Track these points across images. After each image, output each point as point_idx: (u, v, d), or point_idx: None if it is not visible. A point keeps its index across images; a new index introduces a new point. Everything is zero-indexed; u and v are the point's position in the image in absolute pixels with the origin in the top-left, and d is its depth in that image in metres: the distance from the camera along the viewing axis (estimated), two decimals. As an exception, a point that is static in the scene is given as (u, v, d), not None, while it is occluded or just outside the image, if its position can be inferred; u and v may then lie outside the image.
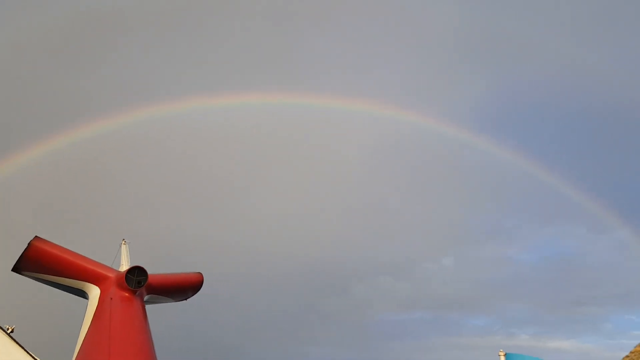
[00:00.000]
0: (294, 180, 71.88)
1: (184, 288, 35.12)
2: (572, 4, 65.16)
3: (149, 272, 32.25)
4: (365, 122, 67.47)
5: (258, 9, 71.49)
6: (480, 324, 79.69)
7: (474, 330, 75.54)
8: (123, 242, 36.02)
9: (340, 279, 75.78)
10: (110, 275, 32.82)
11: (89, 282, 32.84)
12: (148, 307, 33.17)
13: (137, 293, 32.08)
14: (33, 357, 24.65)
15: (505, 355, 11.23)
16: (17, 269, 31.99)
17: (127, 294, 31.81)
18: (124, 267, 34.37)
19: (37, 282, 33.28)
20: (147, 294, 33.28)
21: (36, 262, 31.92)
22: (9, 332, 24.93)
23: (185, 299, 35.86)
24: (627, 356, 10.97)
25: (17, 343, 24.76)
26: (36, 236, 31.79)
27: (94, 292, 32.39)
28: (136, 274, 32.16)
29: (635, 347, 10.89)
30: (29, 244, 31.29)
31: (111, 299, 31.30)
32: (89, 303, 32.52)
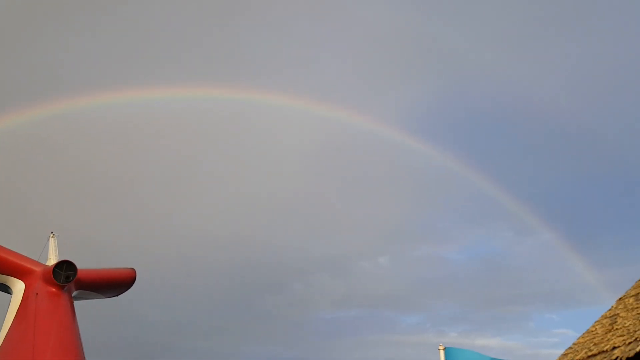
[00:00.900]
0: (231, 176, 71.07)
1: (115, 284, 34.03)
2: (507, 15, 67.60)
3: (78, 267, 31.11)
4: (304, 120, 67.51)
5: (199, 1, 70.22)
6: (413, 321, 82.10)
7: (407, 327, 77.68)
8: (51, 235, 34.44)
9: (276, 276, 75.68)
10: (37, 269, 31.39)
11: (12, 276, 31.31)
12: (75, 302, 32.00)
13: (65, 288, 30.81)
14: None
15: (445, 349, 11.40)
16: None
17: (54, 289, 30.52)
18: (52, 261, 32.88)
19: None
20: (76, 290, 32.00)
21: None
22: None
23: (117, 295, 34.85)
24: (571, 348, 11.38)
25: None
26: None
27: (18, 286, 30.86)
28: (64, 268, 30.88)
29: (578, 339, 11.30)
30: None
31: (37, 294, 29.96)
32: (12, 298, 30.97)
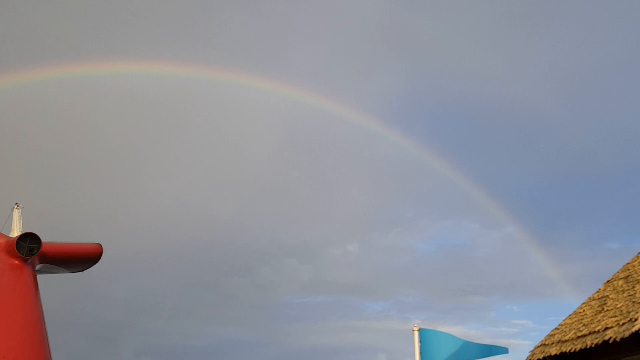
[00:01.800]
0: (199, 156, 69.85)
1: (81, 259, 32.90)
2: (484, 9, 67.93)
3: (42, 239, 30.01)
4: (276, 103, 66.73)
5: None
6: (379, 308, 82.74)
7: (373, 314, 78.24)
8: (16, 206, 33.12)
9: (244, 260, 75.01)
10: (-1, 241, 30.19)
11: (-28, 247, 30.05)
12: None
13: (28, 261, 29.60)
14: None
15: (419, 330, 11.13)
16: None
17: (17, 262, 29.21)
18: (15, 233, 31.63)
19: None
20: (40, 263, 30.80)
21: None
22: None
23: (82, 270, 33.76)
24: (558, 329, 11.30)
25: None
26: None
27: (-21, 258, 29.62)
28: (28, 240, 29.72)
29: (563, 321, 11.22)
30: None
31: (-1, 266, 28.80)
32: (-29, 270, 29.76)
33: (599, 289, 12.78)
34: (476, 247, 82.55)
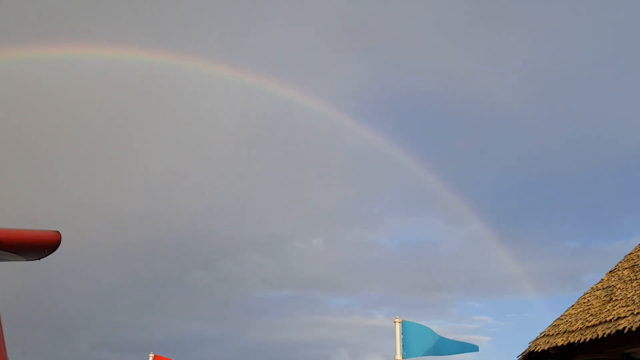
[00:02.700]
0: (160, 145, 67.91)
1: (37, 246, 31.12)
2: (455, 6, 68.19)
3: (-1, 225, 28.35)
4: (240, 93, 65.28)
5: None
6: (343, 303, 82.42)
7: (337, 309, 77.86)
8: (-32, 187, 31.23)
9: (207, 253, 73.37)
10: (-49, 225, 28.39)
11: None
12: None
13: (-20, 247, 28.08)
14: None
15: (402, 322, 10.48)
16: None
17: (-32, 248, 27.70)
18: (-32, 216, 29.85)
19: None
20: (-6, 250, 29.25)
21: None
22: None
23: (39, 259, 32.06)
24: (561, 319, 10.83)
25: None
26: None
27: None
28: (-19, 225, 28.09)
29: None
30: None
31: (-50, 251, 27.07)
32: None
33: (602, 279, 12.41)
34: (441, 243, 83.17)
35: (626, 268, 11.94)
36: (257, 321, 76.72)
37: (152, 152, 68.72)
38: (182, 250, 72.17)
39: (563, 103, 70.85)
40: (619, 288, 11.15)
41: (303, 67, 72.10)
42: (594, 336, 10.13)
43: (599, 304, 11.09)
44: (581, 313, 11.29)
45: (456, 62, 70.75)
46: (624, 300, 10.43)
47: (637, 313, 9.56)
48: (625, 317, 9.79)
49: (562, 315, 11.96)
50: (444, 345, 11.11)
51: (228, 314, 76.41)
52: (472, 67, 71.51)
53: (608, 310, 10.51)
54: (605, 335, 9.88)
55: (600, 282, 12.35)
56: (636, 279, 11.05)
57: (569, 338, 10.69)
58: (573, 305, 12.04)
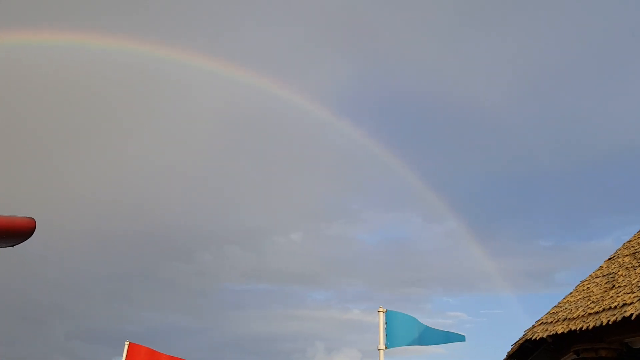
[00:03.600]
0: (137, 137, 66.68)
1: (11, 232, 30.12)
2: (440, 6, 68.04)
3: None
4: (224, 85, 64.43)
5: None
6: (320, 297, 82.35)
7: (314, 303, 77.67)
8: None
9: (185, 245, 72.40)
10: None
11: None
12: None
13: (-50, 232, 26.91)
14: None
15: (386, 312, 10.25)
16: None
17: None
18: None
19: None
20: (-36, 234, 28.09)
21: None
22: None
23: (12, 246, 30.97)
24: (559, 307, 10.40)
25: None
26: None
27: None
28: (-49, 209, 26.93)
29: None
30: None
31: None
32: None
33: (601, 267, 12.02)
34: (418, 240, 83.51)
35: (626, 255, 11.56)
36: (234, 314, 76.01)
37: (134, 144, 67.32)
38: (161, 242, 71.03)
39: (545, 105, 71.39)
40: (621, 275, 10.75)
41: (289, 64, 71.38)
42: (598, 323, 9.71)
43: (600, 291, 10.68)
44: (581, 300, 10.87)
45: (442, 63, 70.68)
46: (628, 287, 10.02)
47: (644, 299, 9.16)
48: (631, 303, 9.38)
49: (559, 303, 11.53)
50: (429, 335, 10.71)
51: (205, 306, 75.52)
52: (458, 68, 71.53)
53: (612, 297, 10.10)
54: (610, 323, 9.46)
55: (598, 269, 11.96)
56: (639, 266, 10.66)
57: (570, 325, 10.25)
58: (571, 293, 11.63)
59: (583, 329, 9.91)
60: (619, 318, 9.32)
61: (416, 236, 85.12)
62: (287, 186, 75.49)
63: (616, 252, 12.19)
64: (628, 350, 10.84)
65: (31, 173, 59.08)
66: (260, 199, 74.12)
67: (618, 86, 67.99)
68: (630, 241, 12.29)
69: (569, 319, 10.44)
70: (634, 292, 9.65)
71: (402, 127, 78.88)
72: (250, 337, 69.65)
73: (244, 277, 77.88)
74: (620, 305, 9.56)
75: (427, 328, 10.96)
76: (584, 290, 11.30)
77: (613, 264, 11.63)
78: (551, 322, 10.82)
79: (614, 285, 10.52)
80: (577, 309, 10.58)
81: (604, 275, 11.31)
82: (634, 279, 10.20)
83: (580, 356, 10.95)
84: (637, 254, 11.29)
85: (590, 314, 10.08)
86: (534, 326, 11.30)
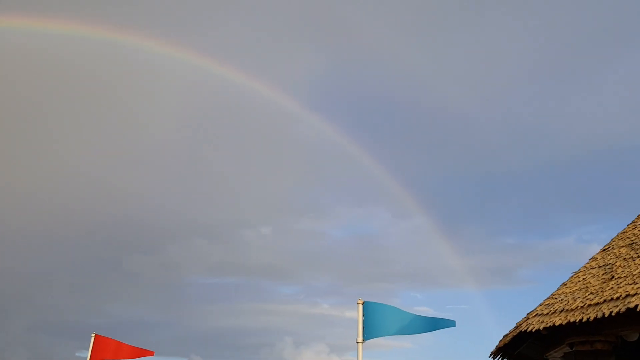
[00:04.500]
0: (103, 126, 64.77)
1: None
2: (418, 7, 67.96)
3: None
4: (193, 75, 63.10)
5: None
6: (289, 292, 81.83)
7: (283, 297, 77.08)
8: None
9: (151, 238, 70.71)
10: None
11: None
12: None
13: None
14: None
15: (363, 303, 9.88)
16: None
17: None
18: None
19: None
20: None
21: None
22: None
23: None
24: (554, 298, 10.06)
25: None
26: None
27: None
28: None
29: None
30: None
31: None
32: None
33: (595, 258, 11.72)
34: (386, 235, 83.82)
35: (622, 246, 11.28)
36: (201, 308, 74.73)
37: (99, 131, 65.43)
38: (126, 233, 69.21)
39: (510, 105, 72.17)
40: (620, 266, 10.45)
41: (260, 56, 70.36)
42: (599, 315, 9.36)
43: (599, 282, 10.35)
44: (578, 292, 10.52)
45: (413, 63, 70.71)
46: (629, 278, 9.71)
47: (648, 290, 8.84)
48: (635, 294, 9.05)
49: (554, 295, 11.18)
50: (415, 324, 10.19)
51: (171, 300, 74.03)
52: (428, 68, 71.66)
53: (612, 288, 9.77)
54: (613, 314, 9.11)
55: (592, 260, 11.66)
56: (638, 257, 10.38)
57: (568, 317, 9.89)
58: (566, 284, 11.29)
59: (583, 320, 9.56)
60: (623, 309, 8.99)
61: (385, 232, 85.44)
62: (256, 179, 74.54)
63: (610, 244, 11.91)
64: (623, 343, 10.59)
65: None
66: (229, 191, 73.00)
67: (581, 88, 69.21)
68: (624, 232, 12.04)
69: (567, 310, 10.09)
70: (637, 283, 9.34)
71: (372, 124, 78.82)
72: (217, 332, 68.64)
73: (212, 270, 76.73)
74: (623, 296, 9.23)
75: (413, 316, 10.58)
76: (579, 281, 10.97)
77: (608, 255, 11.34)
78: (547, 313, 10.45)
79: (612, 277, 10.21)
80: (575, 300, 10.23)
81: (599, 267, 11.00)
82: (634, 270, 9.90)
83: (574, 349, 10.65)
84: (634, 245, 11.02)
85: (589, 305, 9.74)
86: (528, 318, 10.92)
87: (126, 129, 66.86)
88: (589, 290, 10.29)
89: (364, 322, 10.54)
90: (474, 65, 71.03)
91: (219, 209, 74.28)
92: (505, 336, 12.09)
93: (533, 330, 10.39)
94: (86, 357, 13.28)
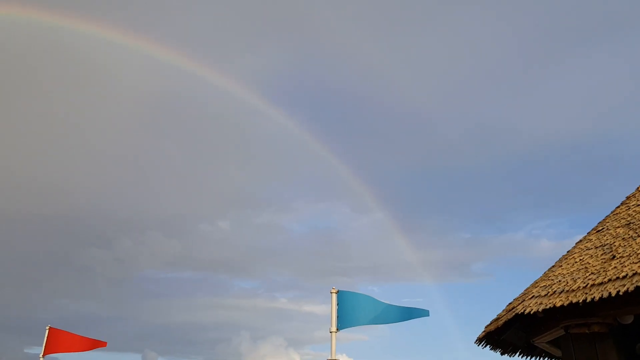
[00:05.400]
0: (60, 115, 62.15)
1: None
2: (382, 9, 67.81)
3: None
4: (149, 66, 61.21)
5: None
6: (247, 286, 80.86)
7: (240, 292, 76.03)
8: None
9: (104, 230, 68.27)
10: None
11: None
12: None
13: None
14: None
15: (338, 292, 9.55)
16: None
17: None
18: None
19: None
20: None
21: None
22: None
23: None
24: (550, 280, 9.63)
25: None
26: None
27: None
28: None
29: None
30: None
31: None
32: None
33: (589, 239, 11.35)
34: (346, 230, 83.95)
35: (619, 227, 10.94)
36: (155, 302, 72.65)
37: (49, 122, 62.57)
38: (77, 226, 66.61)
39: (468, 103, 73.08)
40: (620, 245, 10.08)
41: (220, 47, 68.88)
42: (605, 294, 8.93)
43: (599, 263, 9.95)
44: (577, 272, 10.10)
45: (373, 58, 70.70)
46: (634, 257, 9.32)
47: (656, 268, 8.46)
48: (643, 272, 8.66)
49: (549, 276, 10.73)
50: (388, 313, 9.84)
51: (124, 294, 71.70)
52: (388, 64, 71.84)
53: (616, 267, 9.36)
54: (621, 293, 8.69)
55: (586, 242, 11.28)
56: (638, 236, 10.03)
57: (570, 298, 9.44)
58: (561, 266, 10.87)
59: (587, 300, 9.12)
60: (631, 288, 8.59)
61: (344, 226, 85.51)
62: (215, 172, 73.07)
63: (604, 225, 11.58)
64: (619, 326, 10.25)
65: None
66: (186, 185, 71.32)
67: (538, 86, 70.60)
68: (617, 214, 11.73)
69: (567, 291, 9.64)
70: (643, 261, 8.96)
71: (334, 120, 78.60)
72: (172, 327, 66.87)
73: (167, 264, 74.79)
74: (630, 274, 8.83)
75: (387, 306, 10.21)
76: (576, 262, 10.56)
77: (604, 235, 10.98)
78: (545, 295, 9.98)
79: (614, 256, 9.82)
80: (575, 281, 9.79)
81: (597, 247, 10.62)
82: (638, 249, 9.52)
83: (570, 332, 10.24)
84: (631, 224, 10.70)
85: (592, 285, 9.31)
86: (525, 299, 10.43)
87: (73, 118, 64.29)
88: (589, 270, 9.87)
89: (338, 311, 10.08)
90: (435, 62, 71.55)
91: (175, 202, 72.54)
92: (495, 320, 11.61)
93: (531, 313, 9.91)
94: (36, 353, 12.65)
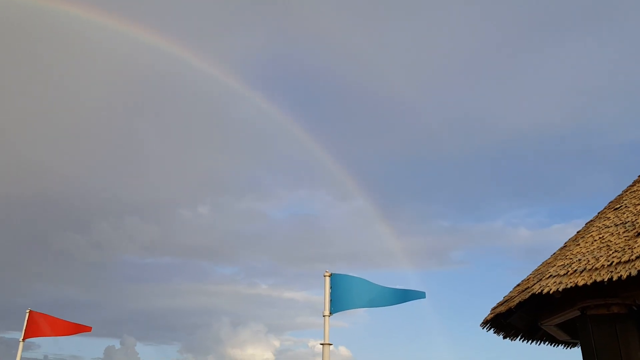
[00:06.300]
0: (26, 98, 60.22)
1: None
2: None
3: None
4: (127, 45, 59.53)
5: None
6: (227, 272, 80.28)
7: (220, 278, 75.39)
8: None
9: (80, 215, 66.84)
10: None
11: None
12: None
13: None
14: None
15: (331, 275, 9.16)
16: None
17: None
18: None
19: None
20: None
21: None
22: None
23: None
24: (552, 265, 9.11)
25: None
26: None
27: None
28: None
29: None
30: None
31: None
32: None
33: (606, 217, 10.88)
34: (326, 217, 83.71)
35: (638, 204, 10.50)
36: (133, 287, 71.62)
37: (25, 104, 60.67)
38: (53, 210, 65.13)
39: (449, 92, 72.92)
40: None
41: (200, 29, 67.45)
42: (633, 272, 8.47)
43: (622, 241, 9.48)
44: (598, 250, 9.63)
45: (356, 45, 69.98)
46: (653, 236, 8.87)
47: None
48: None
49: (565, 255, 10.24)
50: (385, 296, 9.49)
51: (102, 279, 70.52)
52: (372, 53, 71.17)
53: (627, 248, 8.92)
54: (651, 271, 8.23)
55: (604, 220, 10.82)
56: (653, 216, 9.61)
57: (594, 276, 8.96)
58: (578, 244, 10.38)
59: (613, 279, 8.65)
60: (663, 265, 8.13)
61: (325, 213, 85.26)
62: (195, 157, 71.90)
63: (621, 202, 11.14)
64: (637, 308, 9.84)
65: None
66: (165, 169, 70.12)
67: (516, 77, 70.78)
68: (634, 191, 11.30)
69: (589, 270, 9.16)
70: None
71: (316, 106, 77.88)
72: (151, 312, 66.01)
73: (146, 250, 73.77)
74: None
75: (382, 288, 9.80)
76: (595, 240, 10.08)
77: (624, 213, 10.53)
78: (565, 274, 9.50)
79: (639, 233, 9.36)
80: (598, 260, 9.31)
81: (616, 225, 10.17)
82: (663, 226, 9.08)
83: (587, 313, 9.80)
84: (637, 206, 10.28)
85: (618, 263, 8.84)
86: (540, 280, 9.93)
87: (50, 100, 62.56)
88: (612, 248, 9.40)
89: (331, 294, 9.70)
90: (417, 51, 71.10)
91: (153, 187, 71.32)
92: (505, 301, 11.14)
93: (550, 293, 9.42)
94: (14, 338, 11.93)
